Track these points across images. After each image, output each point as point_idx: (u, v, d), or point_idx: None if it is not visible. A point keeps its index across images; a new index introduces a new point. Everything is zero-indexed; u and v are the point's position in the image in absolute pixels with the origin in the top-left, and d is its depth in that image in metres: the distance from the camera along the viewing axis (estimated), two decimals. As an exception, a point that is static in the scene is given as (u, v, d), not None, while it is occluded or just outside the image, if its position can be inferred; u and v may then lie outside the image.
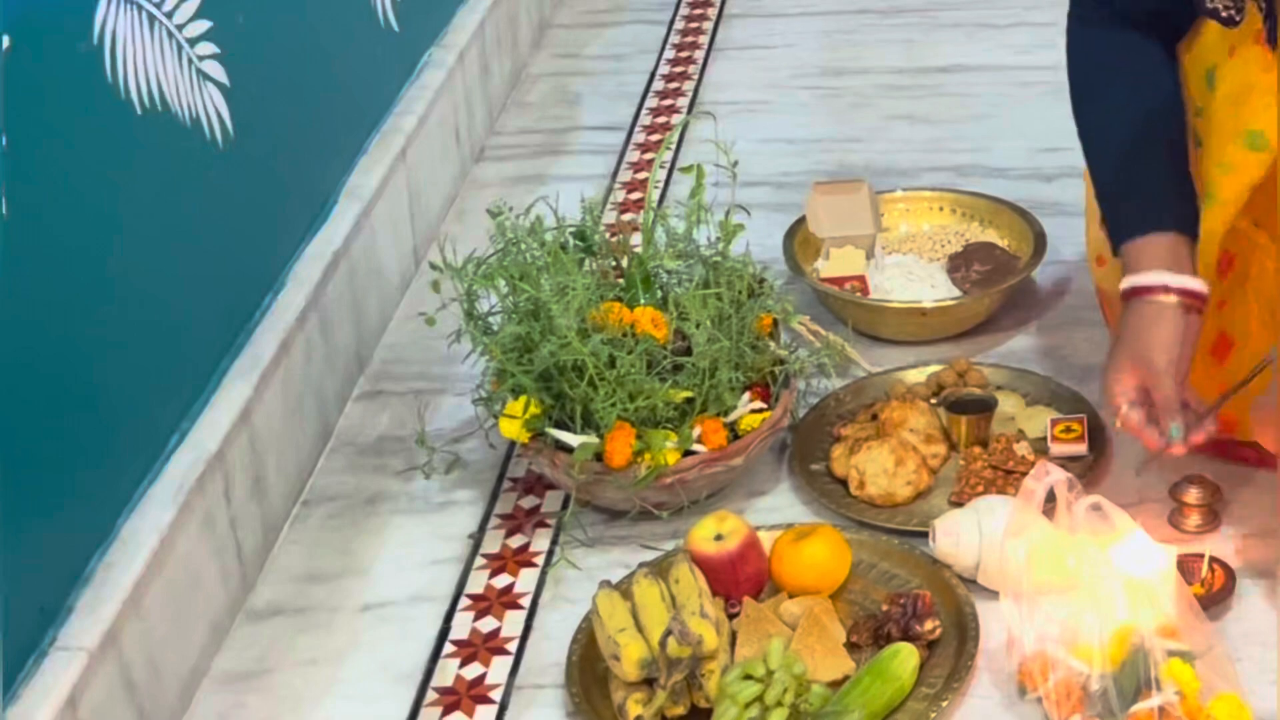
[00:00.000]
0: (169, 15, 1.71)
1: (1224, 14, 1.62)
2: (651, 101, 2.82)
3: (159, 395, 1.69)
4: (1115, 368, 1.68)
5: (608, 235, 2.00)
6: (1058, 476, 1.55)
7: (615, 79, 2.92)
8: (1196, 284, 1.67)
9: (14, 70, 1.40)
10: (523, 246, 1.84)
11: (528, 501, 1.88)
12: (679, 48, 3.01)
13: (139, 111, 1.65)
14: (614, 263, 1.91)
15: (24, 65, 1.42)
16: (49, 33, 1.49)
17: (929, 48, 2.84)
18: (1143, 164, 1.72)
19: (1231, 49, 1.64)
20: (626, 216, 2.44)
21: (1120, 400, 1.67)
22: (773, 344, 1.86)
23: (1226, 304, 1.75)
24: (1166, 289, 1.66)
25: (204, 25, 1.78)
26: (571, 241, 1.89)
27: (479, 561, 1.80)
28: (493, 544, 1.82)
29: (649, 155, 2.62)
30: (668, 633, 1.52)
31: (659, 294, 1.86)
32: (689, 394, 1.75)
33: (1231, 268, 1.74)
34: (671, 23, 3.11)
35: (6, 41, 1.40)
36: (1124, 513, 1.54)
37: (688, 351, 1.77)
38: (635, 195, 2.51)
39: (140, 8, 1.65)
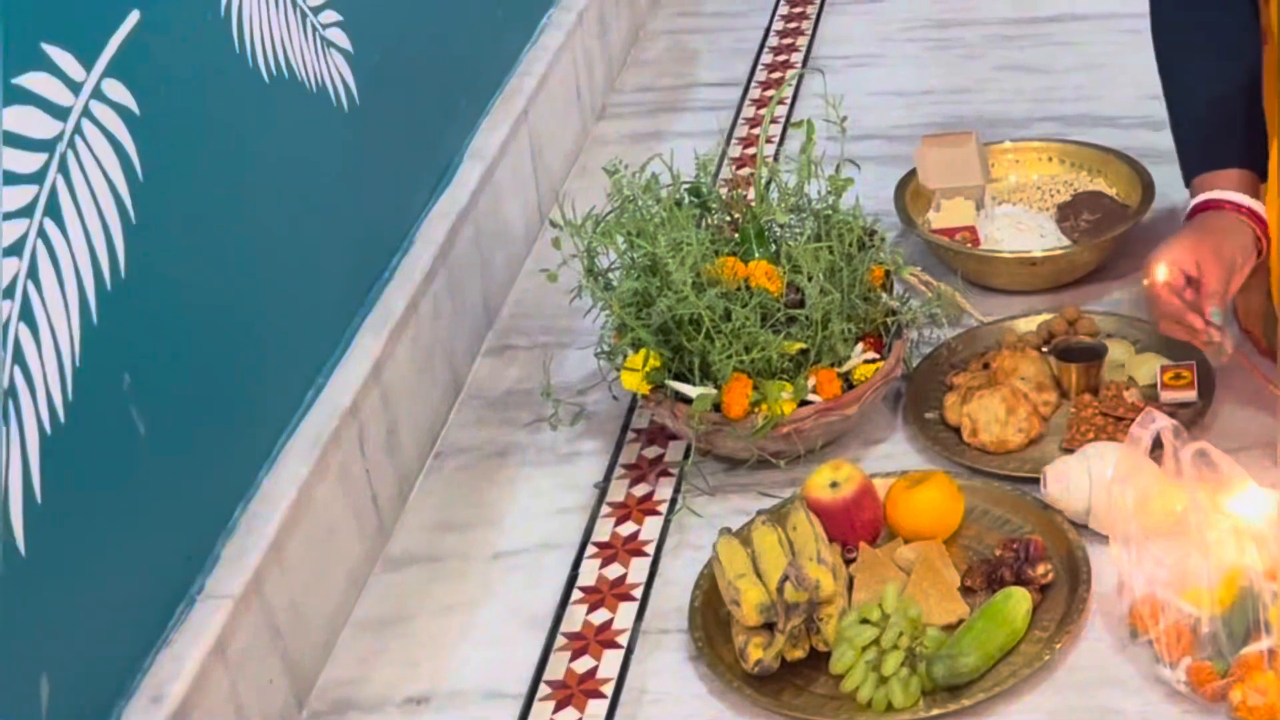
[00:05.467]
0: (293, -17, 1.77)
1: None
2: (766, 57, 2.86)
3: (294, 353, 1.76)
4: (1171, 248, 1.73)
5: (723, 190, 2.04)
6: (1163, 423, 1.58)
7: (731, 35, 2.96)
8: (1264, 212, 1.71)
9: (145, 43, 1.46)
10: (639, 203, 1.90)
11: (651, 451, 1.94)
12: (792, 3, 3.04)
13: (267, 80, 1.71)
14: (728, 218, 1.95)
15: (154, 38, 1.47)
16: (178, 5, 1.54)
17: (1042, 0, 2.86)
18: (1220, 109, 1.77)
19: None
20: (742, 171, 2.48)
21: (1164, 273, 1.71)
22: (885, 295, 1.90)
23: None
24: (1239, 207, 1.72)
25: (327, -8, 1.84)
26: (687, 198, 1.94)
27: (605, 510, 1.86)
28: (618, 493, 1.88)
29: (764, 110, 2.66)
30: (785, 578, 1.57)
31: (772, 248, 1.90)
32: (803, 345, 1.80)
33: None
34: (785, -23, 3.15)
35: (137, 15, 1.45)
36: (1230, 459, 1.57)
37: (801, 304, 1.82)
38: (751, 150, 2.55)
39: (265, -23, 1.71)
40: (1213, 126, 1.81)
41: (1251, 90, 1.79)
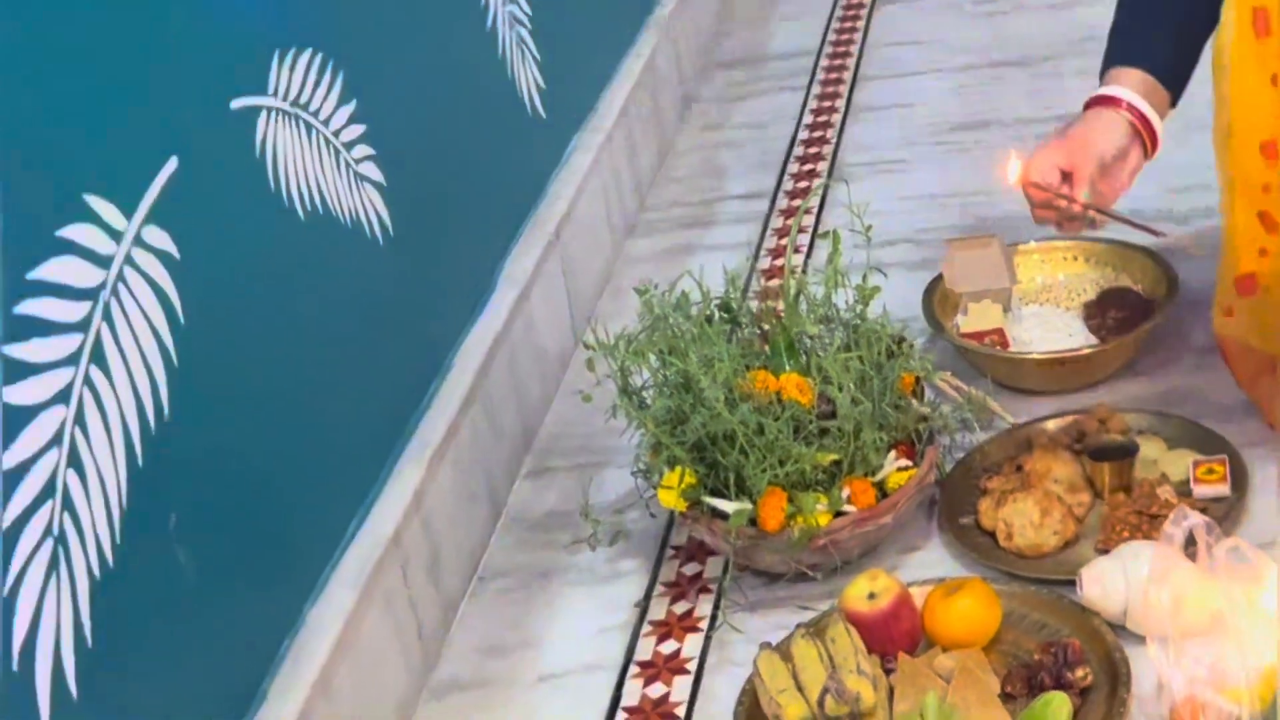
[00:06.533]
0: (325, 123, 1.81)
1: None
2: (793, 167, 2.90)
3: (336, 484, 1.79)
4: (1045, 145, 1.89)
5: (754, 303, 2.07)
6: (1195, 520, 1.59)
7: (758, 147, 3.01)
8: (1154, 117, 1.82)
9: (183, 188, 1.50)
10: (670, 321, 1.93)
11: (690, 568, 1.96)
12: (817, 112, 3.09)
13: (302, 217, 1.74)
14: (759, 330, 1.98)
15: (192, 182, 1.51)
16: (213, 150, 1.58)
17: (1058, 95, 2.88)
18: (1159, 23, 1.91)
19: None
20: (773, 282, 2.52)
21: (1036, 172, 1.88)
22: (915, 402, 1.93)
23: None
24: (1129, 106, 1.80)
25: (359, 129, 1.88)
26: (717, 314, 1.97)
27: (646, 629, 1.87)
28: (658, 611, 1.90)
29: (792, 220, 2.69)
30: (825, 691, 1.58)
31: (803, 359, 1.93)
32: (836, 456, 1.82)
33: None
34: (809, 88, 3.19)
35: (175, 162, 1.50)
36: (1263, 553, 1.58)
37: (833, 415, 1.84)
38: (780, 261, 2.59)
39: (298, 119, 1.74)
40: (1137, 29, 1.93)
41: (1189, 32, 1.90)
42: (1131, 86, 1.92)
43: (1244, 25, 1.76)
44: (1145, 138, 1.92)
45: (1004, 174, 1.97)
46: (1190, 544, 1.61)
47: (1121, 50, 1.94)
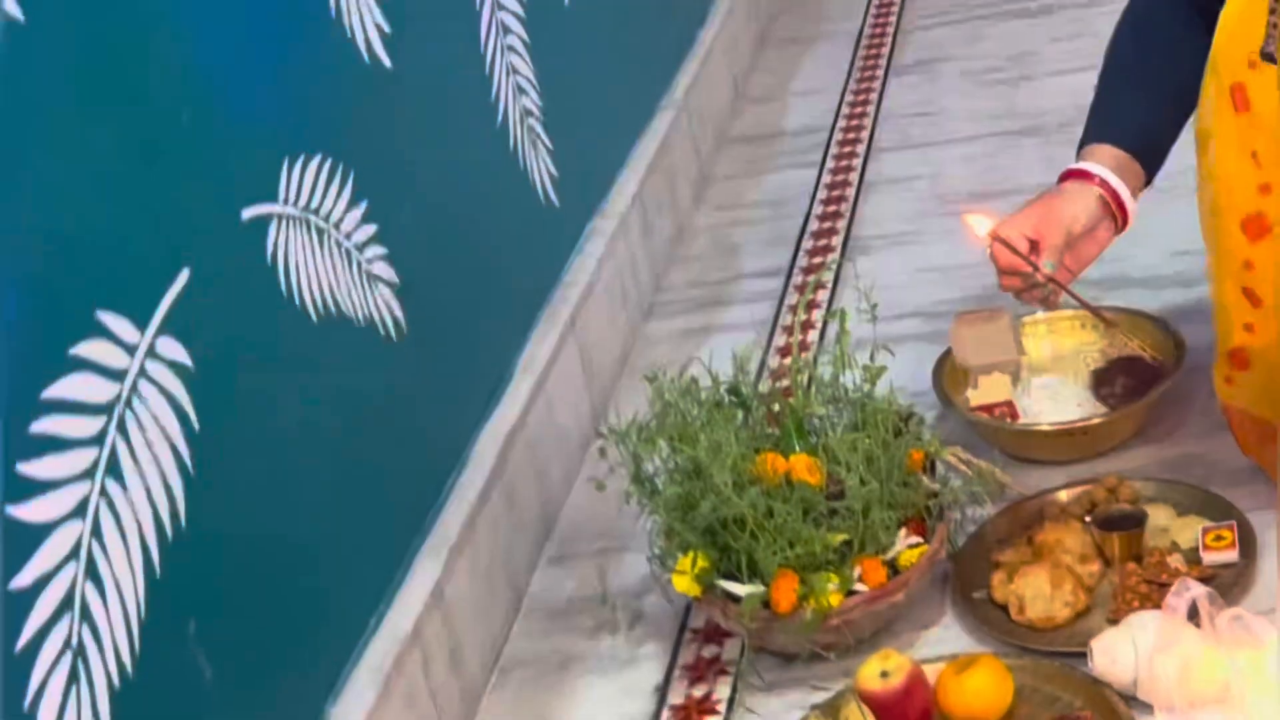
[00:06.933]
0: (337, 226, 1.83)
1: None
2: (808, 243, 2.93)
3: (355, 582, 1.82)
4: (1013, 215, 1.91)
5: (768, 383, 2.10)
6: (1198, 591, 1.62)
7: (773, 224, 3.04)
8: (1127, 194, 1.83)
9: (196, 299, 1.53)
10: (680, 407, 1.96)
11: (708, 651, 1.98)
12: (831, 186, 3.12)
13: (314, 320, 1.77)
14: (767, 412, 2.01)
15: (205, 292, 1.55)
16: (225, 259, 1.62)
17: (1068, 162, 2.90)
18: (1137, 101, 1.94)
19: None
20: (787, 360, 2.54)
21: (1004, 232, 1.89)
22: (925, 478, 1.95)
23: None
24: (1101, 181, 1.83)
25: (370, 229, 1.91)
26: (726, 398, 2.00)
27: (665, 714, 1.89)
28: (678, 695, 1.92)
29: (807, 298, 2.72)
30: (838, 771, 1.61)
31: (812, 439, 1.96)
32: (845, 536, 1.84)
33: None
34: (823, 162, 3.23)
35: (186, 273, 1.54)
36: (1265, 621, 1.60)
37: (841, 495, 1.87)
38: (800, 338, 2.61)
39: (309, 223, 1.78)
40: (1115, 106, 1.96)
41: (1168, 110, 1.93)
42: (1104, 162, 1.94)
43: (1223, 100, 1.78)
44: (1116, 213, 1.94)
45: (970, 231, 1.99)
46: (1195, 614, 1.63)
47: (1098, 127, 1.97)
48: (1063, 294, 1.96)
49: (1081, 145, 1.98)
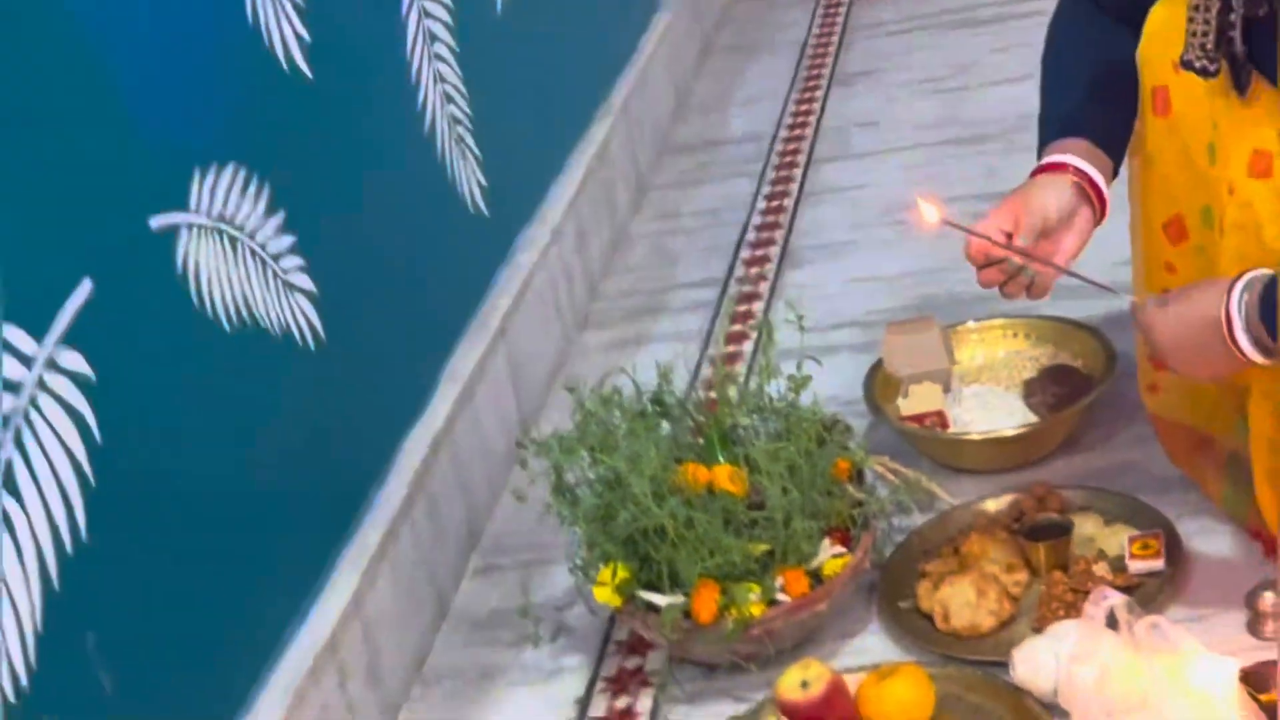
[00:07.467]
0: (252, 235, 1.81)
1: (1198, 65, 1.67)
2: (745, 253, 2.91)
3: (268, 596, 1.79)
4: (991, 212, 1.83)
5: (701, 393, 2.09)
6: (1116, 599, 1.60)
7: (712, 233, 3.03)
8: (1101, 178, 1.79)
9: (100, 309, 1.50)
10: (602, 417, 1.94)
11: (631, 662, 1.95)
12: (770, 197, 3.11)
13: (228, 329, 1.74)
14: (691, 423, 1.99)
15: (109, 303, 1.52)
16: (131, 269, 1.59)
17: (1009, 170, 2.88)
18: (1088, 99, 1.87)
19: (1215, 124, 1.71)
20: (712, 371, 2.53)
21: (979, 229, 1.83)
22: (851, 488, 1.93)
23: None
24: (1074, 169, 1.78)
25: (289, 239, 1.88)
26: (650, 408, 1.98)
27: (587, 726, 1.88)
28: (599, 707, 1.89)
29: (742, 307, 2.70)
30: (753, 784, 1.59)
31: (736, 449, 1.94)
32: (766, 546, 1.82)
33: None
34: (764, 172, 3.21)
35: (89, 283, 1.50)
36: (1183, 630, 1.58)
37: (763, 505, 1.85)
38: (730, 348, 2.60)
39: (222, 233, 1.75)
40: (1066, 107, 1.90)
41: (1119, 87, 1.86)
42: (1074, 152, 1.86)
43: (1145, 103, 1.77)
44: (1093, 197, 1.86)
45: (919, 216, 1.93)
46: (1113, 623, 1.61)
47: (1054, 125, 1.88)
48: (1050, 279, 1.87)
49: (1041, 148, 1.92)
